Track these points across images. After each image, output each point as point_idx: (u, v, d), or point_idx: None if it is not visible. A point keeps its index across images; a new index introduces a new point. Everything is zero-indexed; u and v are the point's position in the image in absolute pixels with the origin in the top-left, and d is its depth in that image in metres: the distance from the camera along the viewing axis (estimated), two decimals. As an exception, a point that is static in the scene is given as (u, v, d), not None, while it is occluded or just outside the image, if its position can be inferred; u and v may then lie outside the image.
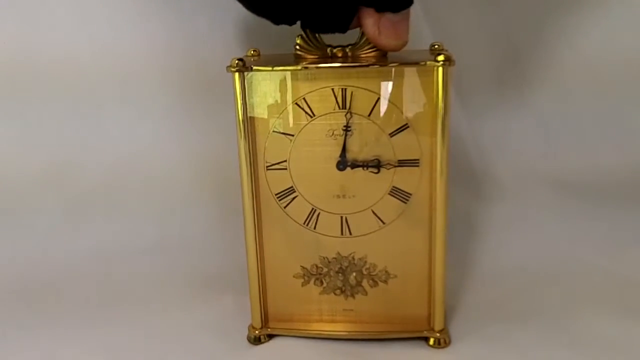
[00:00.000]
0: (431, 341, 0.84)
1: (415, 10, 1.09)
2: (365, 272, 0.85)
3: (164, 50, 1.12)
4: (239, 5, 0.76)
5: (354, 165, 0.80)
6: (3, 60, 1.13)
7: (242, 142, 0.81)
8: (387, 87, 0.77)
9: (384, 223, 0.82)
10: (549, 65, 1.13)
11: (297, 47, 0.81)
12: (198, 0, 1.09)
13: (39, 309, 0.98)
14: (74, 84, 1.14)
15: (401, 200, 0.81)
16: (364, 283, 0.86)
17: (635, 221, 1.13)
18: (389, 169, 0.80)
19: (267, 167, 0.83)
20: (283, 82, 0.79)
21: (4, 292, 1.03)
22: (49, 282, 1.06)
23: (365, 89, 0.78)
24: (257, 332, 0.87)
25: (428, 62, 0.75)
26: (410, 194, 0.81)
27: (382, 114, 0.78)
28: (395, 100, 0.78)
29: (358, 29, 0.79)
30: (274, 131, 0.81)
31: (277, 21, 0.77)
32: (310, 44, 0.81)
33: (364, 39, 0.79)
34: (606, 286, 0.97)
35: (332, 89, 0.78)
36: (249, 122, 0.81)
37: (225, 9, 1.09)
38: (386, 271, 0.85)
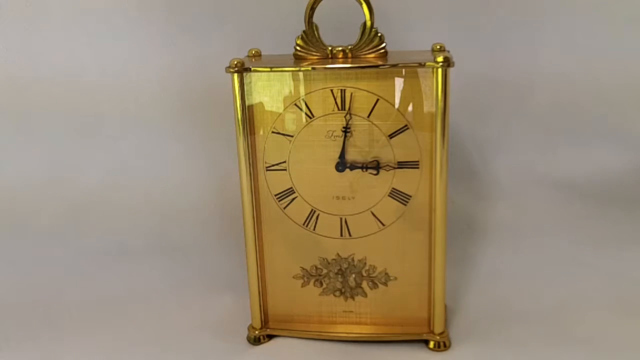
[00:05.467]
0: (431, 344, 0.84)
1: (416, 10, 1.10)
2: (364, 274, 0.85)
3: (167, 49, 1.12)
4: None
5: (353, 166, 0.80)
6: (8, 81, 1.13)
7: (241, 143, 0.81)
8: (386, 88, 0.77)
9: (383, 225, 0.82)
10: (549, 64, 1.13)
11: (297, 47, 0.81)
12: (199, 1, 1.09)
13: (40, 310, 0.98)
14: (74, 86, 1.14)
15: (401, 202, 0.81)
16: (364, 285, 0.85)
17: (635, 221, 1.14)
18: (388, 171, 0.80)
19: (266, 167, 0.82)
20: (282, 83, 0.79)
21: (4, 292, 1.03)
22: (50, 282, 1.06)
23: (364, 90, 0.77)
24: (256, 332, 0.88)
25: (427, 63, 0.75)
26: (410, 196, 0.80)
27: (381, 115, 0.78)
28: (394, 102, 0.77)
29: (358, 29, 0.79)
30: (273, 132, 0.81)
31: None
32: (310, 44, 0.80)
33: (364, 39, 0.79)
34: (606, 286, 0.97)
35: (332, 90, 0.78)
36: (248, 123, 0.80)
37: (227, 8, 1.09)
38: (386, 273, 0.85)
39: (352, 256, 0.85)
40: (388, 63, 0.77)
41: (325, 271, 0.86)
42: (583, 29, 1.11)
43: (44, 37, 1.12)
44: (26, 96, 1.14)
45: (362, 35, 0.79)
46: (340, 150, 0.80)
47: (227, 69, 0.78)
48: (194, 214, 1.17)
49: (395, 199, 0.81)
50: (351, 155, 0.80)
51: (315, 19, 0.79)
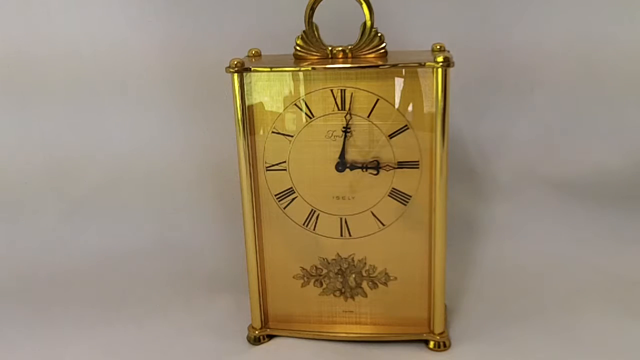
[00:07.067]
0: (431, 344, 0.84)
1: (416, 10, 1.10)
2: (364, 274, 0.85)
3: (166, 50, 1.12)
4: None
5: (353, 166, 0.80)
6: (3, 58, 1.13)
7: (241, 143, 0.81)
8: (386, 88, 0.77)
9: (383, 225, 0.82)
10: (548, 65, 1.13)
11: (297, 47, 0.81)
12: (199, 0, 1.10)
13: (40, 310, 0.98)
14: (75, 84, 1.14)
15: (401, 202, 0.81)
16: (364, 285, 0.85)
17: (635, 221, 1.14)
18: (388, 171, 0.80)
19: (266, 167, 0.82)
20: (282, 83, 0.79)
21: (5, 292, 1.04)
22: (50, 282, 1.06)
23: (364, 90, 0.77)
24: (256, 332, 0.88)
25: (427, 64, 0.75)
26: (410, 196, 0.80)
27: (381, 115, 0.78)
28: (394, 102, 0.77)
29: (358, 29, 0.79)
30: (273, 132, 0.81)
31: None
32: (310, 44, 0.80)
33: (364, 39, 0.79)
34: (606, 286, 0.98)
35: (332, 90, 0.78)
36: (248, 123, 0.80)
37: (227, 9, 1.09)
38: (386, 273, 0.85)
39: (352, 256, 0.85)
40: (388, 63, 0.77)
41: (325, 271, 0.86)
42: (583, 29, 1.11)
43: (42, 19, 1.12)
44: (22, 83, 1.14)
45: (362, 35, 0.79)
46: (340, 150, 0.80)
47: (227, 69, 0.78)
48: (194, 214, 1.17)
49: (395, 199, 0.81)
50: (351, 155, 0.80)
51: (315, 19, 0.79)
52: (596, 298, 0.94)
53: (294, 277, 0.87)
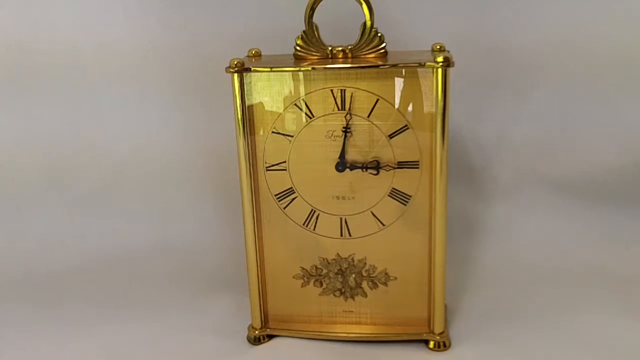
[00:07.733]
0: (431, 344, 0.84)
1: (416, 10, 1.10)
2: (364, 274, 0.85)
3: (166, 49, 1.12)
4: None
5: (353, 166, 0.80)
6: (2, 56, 1.13)
7: (241, 143, 0.81)
8: (386, 88, 0.77)
9: (383, 225, 0.82)
10: (548, 65, 1.13)
11: (297, 47, 0.81)
12: (199, 0, 1.10)
13: (40, 309, 0.98)
14: (75, 83, 1.14)
15: (401, 202, 0.81)
16: (364, 285, 0.85)
17: (635, 221, 1.13)
18: (388, 171, 0.80)
19: (266, 167, 0.83)
20: (282, 83, 0.79)
21: (4, 291, 1.04)
22: (50, 282, 1.06)
23: (364, 90, 0.77)
24: (257, 332, 0.88)
25: (427, 64, 0.75)
26: (410, 196, 0.80)
27: (381, 115, 0.78)
28: (394, 102, 0.77)
29: (358, 29, 0.79)
30: (273, 132, 0.81)
31: None
32: (310, 44, 0.80)
33: (364, 39, 0.79)
34: (606, 286, 0.98)
35: (332, 90, 0.78)
36: (248, 123, 0.80)
37: (227, 8, 1.09)
38: (386, 273, 0.85)
39: (352, 256, 0.85)
40: (388, 63, 0.77)
41: (325, 271, 0.86)
42: (583, 29, 1.11)
43: (42, 17, 1.12)
44: (21, 82, 1.14)
45: (362, 35, 0.80)
46: (340, 150, 0.80)
47: (227, 69, 0.78)
48: (194, 214, 1.17)
49: (395, 199, 0.81)
50: (351, 155, 0.80)
51: (315, 19, 0.79)
52: (596, 298, 0.94)
53: (294, 277, 0.87)
